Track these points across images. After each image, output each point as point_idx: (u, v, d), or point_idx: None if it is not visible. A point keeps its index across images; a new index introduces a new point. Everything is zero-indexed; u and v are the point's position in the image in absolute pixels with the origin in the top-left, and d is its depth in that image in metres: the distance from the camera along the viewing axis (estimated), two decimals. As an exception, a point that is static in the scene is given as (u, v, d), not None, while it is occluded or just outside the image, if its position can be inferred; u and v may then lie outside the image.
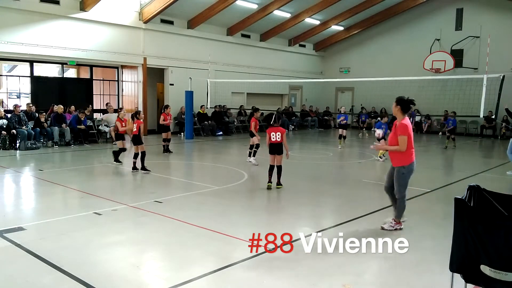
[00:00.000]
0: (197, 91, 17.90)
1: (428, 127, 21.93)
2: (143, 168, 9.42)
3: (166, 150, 12.94)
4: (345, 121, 15.42)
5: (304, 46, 25.92)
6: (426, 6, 22.86)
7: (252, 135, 11.14)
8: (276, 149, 8.03)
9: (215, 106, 19.73)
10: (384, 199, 7.89)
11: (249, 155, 11.16)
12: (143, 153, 9.46)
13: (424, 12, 23.12)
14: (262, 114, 13.02)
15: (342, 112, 15.88)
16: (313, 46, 26.60)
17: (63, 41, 15.33)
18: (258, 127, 11.17)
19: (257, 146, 11.12)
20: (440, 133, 16.25)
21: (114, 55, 16.88)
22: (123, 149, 10.78)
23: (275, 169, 8.10)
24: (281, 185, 8.13)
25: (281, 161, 8.08)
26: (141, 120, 9.73)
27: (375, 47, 25.15)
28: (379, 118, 18.42)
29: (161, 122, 13.01)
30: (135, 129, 9.55)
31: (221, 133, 19.60)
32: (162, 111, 13.42)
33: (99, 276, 4.09)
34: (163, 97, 19.70)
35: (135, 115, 9.74)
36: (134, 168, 9.54)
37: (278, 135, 8.00)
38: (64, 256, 4.56)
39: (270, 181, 8.08)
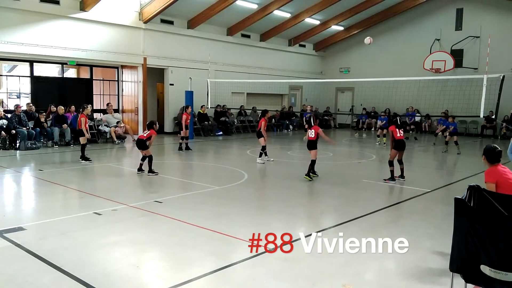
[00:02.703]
0: (197, 91, 17.90)
1: (428, 127, 21.93)
2: (150, 171, 9.36)
3: (186, 147, 13.60)
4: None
5: (304, 46, 25.91)
6: (426, 6, 22.85)
7: (261, 135, 11.25)
8: (308, 145, 9.30)
9: (217, 106, 19.74)
10: (384, 199, 7.91)
11: (260, 156, 11.37)
12: (150, 157, 9.44)
13: (424, 12, 23.11)
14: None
15: (308, 110, 19.43)
16: (313, 46, 26.59)
17: (63, 41, 15.32)
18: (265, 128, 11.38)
19: (263, 147, 11.23)
20: (439, 134, 16.11)
21: (114, 55, 16.88)
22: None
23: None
24: (309, 177, 9.09)
25: (314, 156, 9.18)
26: (155, 131, 9.72)
27: (375, 47, 25.05)
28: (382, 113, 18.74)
29: (185, 122, 13.55)
30: (145, 136, 9.54)
31: (221, 133, 19.60)
32: (184, 111, 14.10)
33: (99, 276, 4.09)
34: (163, 97, 19.70)
35: (151, 125, 9.70)
36: (140, 169, 9.54)
37: (312, 132, 9.26)
38: (64, 256, 4.56)
39: (314, 173, 9.30)
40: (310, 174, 9.18)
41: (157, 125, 10.05)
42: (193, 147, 14.45)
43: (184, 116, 13.64)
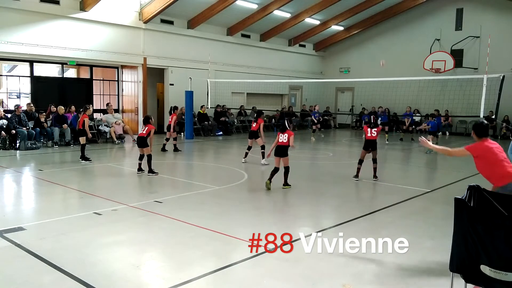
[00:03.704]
0: (197, 91, 17.90)
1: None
2: (150, 170, 9.32)
3: (175, 149, 13.33)
4: (318, 117, 19.15)
5: (304, 46, 25.91)
6: (426, 6, 22.86)
7: (258, 136, 11.22)
8: (280, 151, 8.09)
9: (217, 106, 19.74)
10: (384, 199, 7.90)
11: (263, 157, 11.16)
12: (150, 156, 9.38)
13: (424, 12, 23.11)
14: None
15: (316, 109, 19.35)
16: (313, 46, 26.60)
17: (63, 41, 15.32)
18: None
19: (263, 147, 11.20)
20: (438, 134, 16.09)
21: (114, 55, 16.88)
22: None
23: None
24: (288, 185, 8.19)
25: (287, 163, 8.11)
26: (153, 125, 9.67)
27: (375, 47, 25.14)
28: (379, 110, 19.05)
29: (174, 123, 13.23)
30: (144, 132, 9.50)
31: (221, 133, 19.60)
32: (173, 111, 13.67)
33: (99, 276, 4.09)
34: (163, 97, 19.70)
35: (147, 120, 9.66)
36: (139, 169, 9.52)
37: (285, 137, 8.10)
38: (64, 256, 4.56)
39: (270, 180, 8.05)
40: (287, 183, 8.24)
41: (153, 119, 9.96)
42: (193, 147, 14.44)
43: (174, 117, 13.26)
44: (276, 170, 8.08)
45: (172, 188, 8.46)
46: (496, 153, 4.85)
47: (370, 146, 9.02)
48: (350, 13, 22.39)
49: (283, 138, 8.14)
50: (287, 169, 8.10)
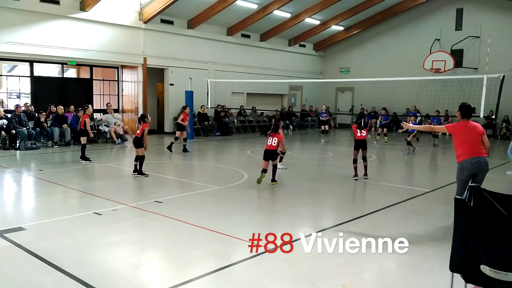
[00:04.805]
0: (197, 91, 17.91)
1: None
2: (140, 172, 9.16)
3: (184, 149, 13.18)
4: (327, 118, 18.28)
5: (304, 46, 25.92)
6: (426, 6, 22.87)
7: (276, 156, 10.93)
8: (269, 155, 8.33)
9: (217, 106, 19.75)
10: (384, 199, 7.90)
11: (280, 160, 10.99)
12: (142, 158, 9.20)
13: (424, 12, 23.12)
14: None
15: (323, 109, 18.39)
16: (313, 46, 26.60)
17: (63, 41, 15.32)
18: None
19: (283, 153, 10.95)
20: (438, 134, 16.14)
21: (114, 55, 16.88)
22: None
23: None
24: (275, 181, 8.45)
25: (276, 163, 8.46)
26: (148, 124, 9.54)
27: (375, 47, 25.15)
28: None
29: (181, 121, 13.24)
30: (139, 132, 9.41)
31: (219, 133, 19.61)
32: (182, 110, 13.78)
33: (99, 276, 4.09)
34: (163, 97, 19.71)
35: (142, 118, 9.58)
36: (135, 170, 9.46)
37: (275, 140, 8.27)
38: (64, 256, 4.56)
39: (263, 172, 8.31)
40: (275, 179, 8.46)
41: (149, 118, 9.83)
42: (193, 147, 14.43)
43: (181, 116, 13.30)
44: (264, 171, 8.36)
45: (172, 188, 8.47)
46: (467, 135, 5.46)
47: (360, 146, 9.12)
48: (350, 13, 22.41)
49: (271, 141, 8.17)
50: (275, 167, 8.41)
